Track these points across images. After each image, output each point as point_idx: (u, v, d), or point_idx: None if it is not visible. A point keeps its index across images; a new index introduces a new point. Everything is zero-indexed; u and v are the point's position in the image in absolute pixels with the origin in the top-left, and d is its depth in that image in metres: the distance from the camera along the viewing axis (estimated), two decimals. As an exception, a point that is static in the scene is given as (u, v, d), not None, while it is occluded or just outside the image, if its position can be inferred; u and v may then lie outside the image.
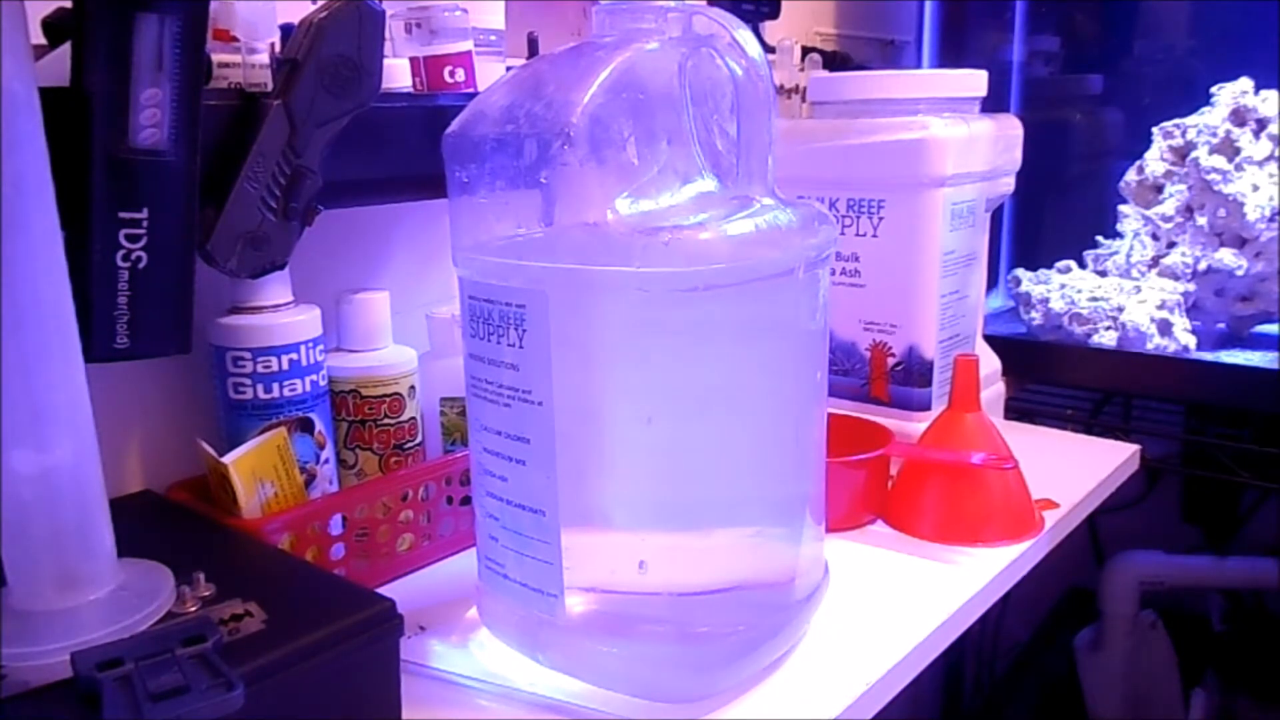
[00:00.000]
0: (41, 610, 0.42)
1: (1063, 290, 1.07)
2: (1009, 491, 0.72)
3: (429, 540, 0.67)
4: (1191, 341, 1.01)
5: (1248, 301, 1.03)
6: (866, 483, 0.73)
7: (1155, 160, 1.06)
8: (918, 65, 1.34)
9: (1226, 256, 1.00)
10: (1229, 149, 1.00)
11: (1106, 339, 1.02)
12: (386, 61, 0.60)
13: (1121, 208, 1.09)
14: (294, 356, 0.63)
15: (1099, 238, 1.13)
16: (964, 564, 0.67)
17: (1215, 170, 0.99)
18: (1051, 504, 0.76)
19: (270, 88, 0.55)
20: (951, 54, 1.32)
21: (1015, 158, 0.87)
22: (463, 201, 0.52)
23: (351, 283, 0.74)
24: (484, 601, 0.56)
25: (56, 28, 0.52)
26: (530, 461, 0.50)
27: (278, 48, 0.59)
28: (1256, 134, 1.00)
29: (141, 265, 0.49)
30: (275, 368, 0.62)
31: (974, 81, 0.82)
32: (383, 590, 0.55)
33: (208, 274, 0.53)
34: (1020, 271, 1.14)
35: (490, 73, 0.72)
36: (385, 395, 0.67)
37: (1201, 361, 1.00)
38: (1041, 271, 1.13)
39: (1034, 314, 1.08)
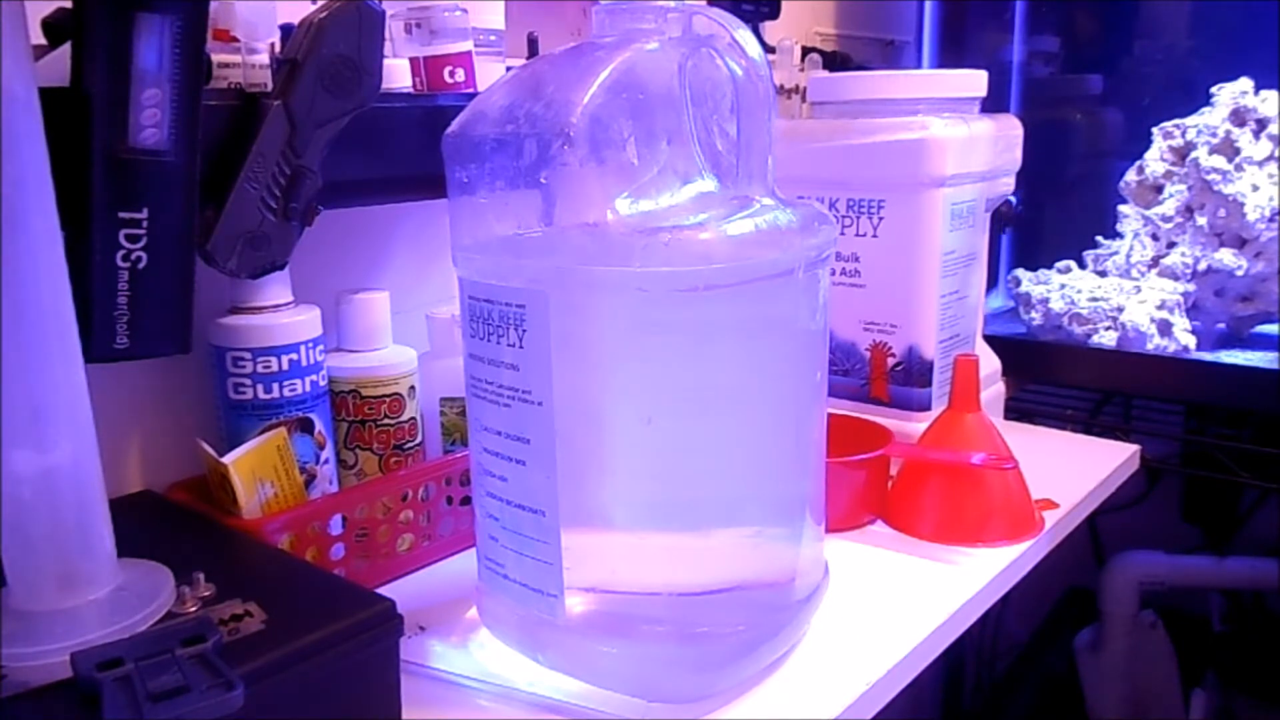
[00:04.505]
0: (41, 610, 0.42)
1: (1063, 290, 1.07)
2: (1009, 491, 0.72)
3: (429, 540, 0.67)
4: (1191, 341, 1.01)
5: (1248, 301, 1.03)
6: (866, 483, 0.73)
7: (1155, 160, 1.06)
8: (918, 65, 1.34)
9: (1226, 256, 1.00)
10: (1229, 149, 1.00)
11: (1106, 339, 1.02)
12: (386, 61, 0.60)
13: (1121, 208, 1.09)
14: (294, 356, 0.63)
15: (1099, 238, 1.13)
16: (964, 564, 0.67)
17: (1215, 170, 0.99)
18: (1051, 504, 0.76)
19: (270, 88, 0.55)
20: (951, 54, 1.32)
21: (1015, 158, 0.87)
22: (463, 201, 0.52)
23: (351, 283, 0.74)
24: (484, 601, 0.56)
25: (56, 28, 0.52)
26: (530, 461, 0.50)
27: (278, 48, 0.59)
28: (1256, 134, 1.00)
29: (141, 265, 0.49)
30: (275, 368, 0.62)
31: (974, 81, 0.82)
32: (383, 590, 0.56)
33: (208, 274, 0.53)
34: (1020, 271, 1.14)
35: (490, 73, 0.72)
36: (385, 395, 0.67)
37: (1201, 361, 1.00)
38: (1041, 271, 1.13)
39: (1034, 314, 1.09)
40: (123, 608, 0.43)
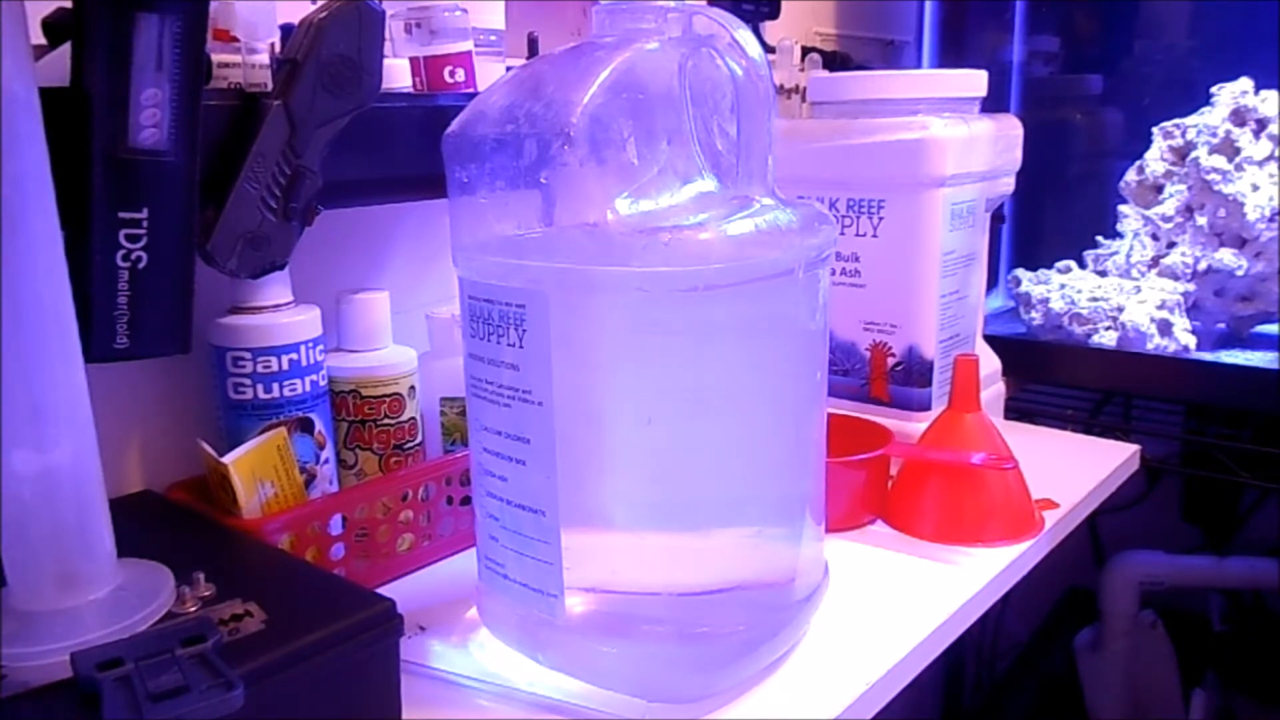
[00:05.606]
0: (41, 610, 0.42)
1: (1063, 290, 1.07)
2: (1009, 491, 0.72)
3: (429, 540, 0.67)
4: (1191, 341, 1.01)
5: (1248, 301, 1.03)
6: (866, 483, 0.73)
7: (1155, 160, 1.06)
8: (918, 65, 1.34)
9: (1226, 256, 1.00)
10: (1229, 149, 1.00)
11: (1106, 339, 1.02)
12: (386, 61, 0.60)
13: (1121, 208, 1.09)
14: (294, 356, 0.63)
15: (1099, 238, 1.13)
16: (964, 564, 0.67)
17: (1215, 170, 0.99)
18: (1051, 504, 0.76)
19: (270, 88, 0.55)
20: (951, 54, 1.32)
21: (1015, 158, 0.87)
22: (463, 201, 0.52)
23: (351, 283, 0.74)
24: (484, 601, 0.56)
25: (56, 28, 0.51)
26: (530, 461, 0.50)
27: (278, 48, 0.59)
28: (1256, 134, 1.00)
29: (141, 265, 0.49)
30: (275, 368, 0.62)
31: (974, 81, 0.82)
32: (383, 590, 0.56)
33: (208, 274, 0.53)
34: (1020, 271, 1.14)
35: (490, 73, 0.72)
36: (385, 395, 0.67)
37: (1201, 361, 1.00)
38: (1041, 271, 1.13)
39: (1034, 314, 1.09)
40: (123, 608, 0.43)
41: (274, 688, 0.41)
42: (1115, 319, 1.02)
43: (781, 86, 0.96)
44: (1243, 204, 0.97)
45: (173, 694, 0.37)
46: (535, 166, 0.48)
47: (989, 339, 0.95)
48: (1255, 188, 0.98)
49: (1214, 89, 1.03)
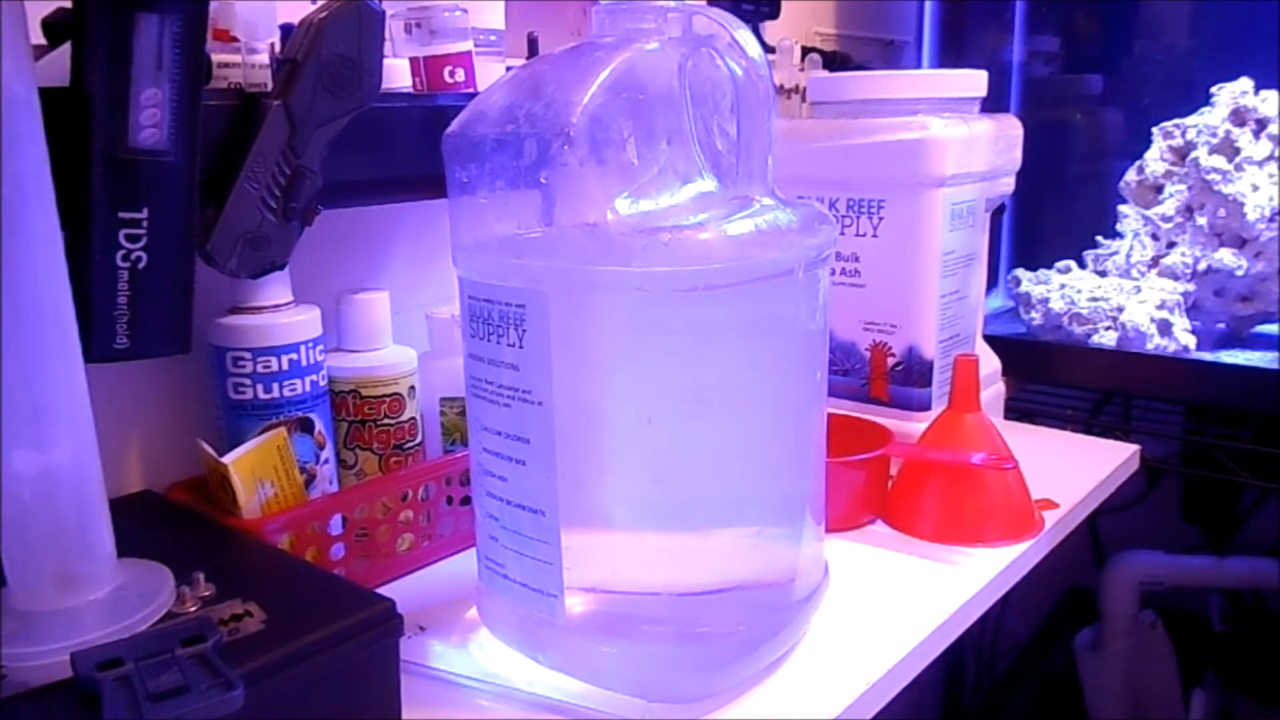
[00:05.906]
0: (41, 610, 0.42)
1: (1063, 290, 1.07)
2: (1009, 491, 0.72)
3: (429, 540, 0.67)
4: (1191, 341, 1.01)
5: (1248, 301, 1.03)
6: (866, 483, 0.73)
7: (1155, 160, 1.06)
8: (918, 65, 1.34)
9: (1226, 256, 1.00)
10: (1229, 149, 1.00)
11: (1106, 339, 1.02)
12: (386, 61, 0.60)
13: (1121, 208, 1.10)
14: (294, 356, 0.63)
15: (1099, 238, 1.13)
16: (964, 564, 0.67)
17: (1215, 170, 0.99)
18: (1051, 504, 0.76)
19: (270, 88, 0.55)
20: (951, 54, 1.32)
21: (1015, 158, 0.87)
22: (463, 201, 0.52)
23: (351, 283, 0.74)
24: (484, 601, 0.56)
25: (56, 28, 0.52)
26: (530, 461, 0.50)
27: (278, 48, 0.59)
28: (1256, 134, 1.00)
29: (141, 265, 0.49)
30: (275, 368, 0.62)
31: (974, 81, 0.82)
32: (383, 590, 0.56)
33: (208, 274, 0.53)
34: (1020, 271, 1.14)
35: (490, 73, 0.72)
36: (385, 395, 0.67)
37: (1201, 361, 1.00)
38: (1041, 271, 1.13)
39: (1034, 314, 1.09)
40: (123, 608, 0.43)
41: (274, 688, 0.41)
42: (1115, 319, 1.02)
43: (781, 86, 0.96)
44: (1243, 204, 0.97)
45: (173, 694, 0.37)
46: (535, 166, 0.48)
47: (989, 339, 0.95)
48: (1255, 188, 0.98)
49: (1214, 89, 1.03)
